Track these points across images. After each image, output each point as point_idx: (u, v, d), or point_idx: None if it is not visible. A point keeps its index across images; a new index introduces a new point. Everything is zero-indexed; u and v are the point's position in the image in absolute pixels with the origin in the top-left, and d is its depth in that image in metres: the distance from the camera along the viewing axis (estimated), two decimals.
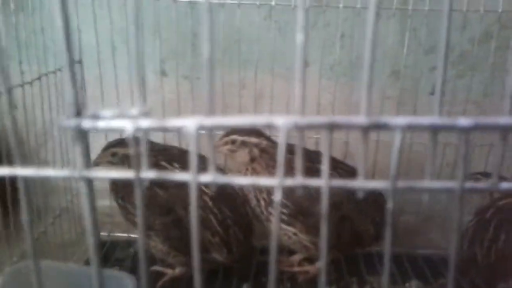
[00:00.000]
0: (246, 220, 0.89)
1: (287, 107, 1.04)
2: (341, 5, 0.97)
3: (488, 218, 0.73)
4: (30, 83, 0.85)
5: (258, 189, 0.85)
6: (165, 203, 0.81)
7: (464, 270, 0.73)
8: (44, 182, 1.02)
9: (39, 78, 0.89)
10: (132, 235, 1.07)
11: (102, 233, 1.07)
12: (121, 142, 0.86)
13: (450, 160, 1.06)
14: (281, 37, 1.04)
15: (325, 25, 1.02)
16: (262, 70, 1.06)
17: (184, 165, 0.83)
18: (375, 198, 0.84)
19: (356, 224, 0.87)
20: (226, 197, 0.86)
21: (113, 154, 0.85)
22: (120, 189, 0.84)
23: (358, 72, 1.03)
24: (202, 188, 0.79)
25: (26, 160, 0.27)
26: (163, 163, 0.84)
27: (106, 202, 0.92)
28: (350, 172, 0.88)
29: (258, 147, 0.85)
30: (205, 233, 0.81)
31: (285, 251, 0.99)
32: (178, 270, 0.91)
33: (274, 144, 0.86)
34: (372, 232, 0.88)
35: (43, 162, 1.14)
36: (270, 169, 0.83)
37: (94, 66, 1.01)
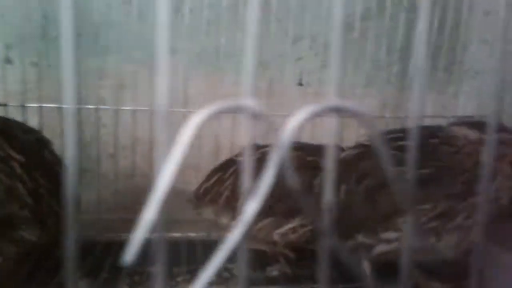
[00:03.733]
0: None
1: (151, 98, 0.96)
2: None
3: None
4: None
5: None
6: None
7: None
8: None
9: None
10: None
11: None
12: None
13: None
14: (142, 23, 0.96)
15: (190, 11, 0.97)
16: (123, 57, 0.98)
17: None
18: None
19: None
20: (40, 162, 0.75)
21: None
22: None
23: (227, 61, 1.00)
24: (9, 153, 0.68)
25: None
26: None
27: None
28: None
29: None
30: (11, 206, 0.68)
31: None
32: None
33: None
34: None
35: None
36: None
37: None
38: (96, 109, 0.92)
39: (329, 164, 0.24)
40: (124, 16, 0.97)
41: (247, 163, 0.22)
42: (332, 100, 0.22)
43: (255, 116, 0.21)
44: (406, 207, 0.27)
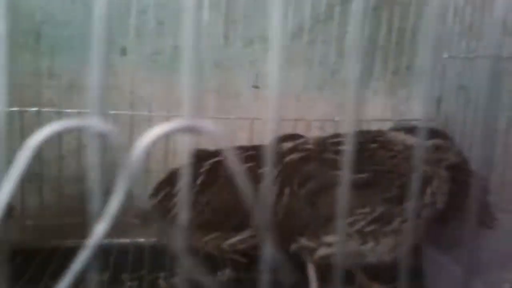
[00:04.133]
0: None
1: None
2: None
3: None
4: None
5: None
6: None
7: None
8: None
9: None
10: None
11: None
12: None
13: None
14: (88, 22, 0.93)
15: (140, 12, 0.95)
16: (73, 57, 0.95)
17: None
18: None
19: None
20: None
21: None
22: None
23: (179, 63, 0.98)
24: None
25: None
26: None
27: None
28: None
29: None
30: None
31: None
32: None
33: None
34: None
35: None
36: None
37: None
38: (38, 112, 0.89)
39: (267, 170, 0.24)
40: (72, 14, 0.94)
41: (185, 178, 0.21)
42: (183, 120, 0.21)
43: (101, 136, 0.20)
44: (341, 211, 0.27)
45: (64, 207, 0.91)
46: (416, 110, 1.10)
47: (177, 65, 1.01)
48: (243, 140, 0.99)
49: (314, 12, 1.01)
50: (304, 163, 0.71)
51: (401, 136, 0.66)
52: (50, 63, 0.95)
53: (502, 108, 0.93)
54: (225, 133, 0.22)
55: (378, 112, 1.08)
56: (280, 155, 0.73)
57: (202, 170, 0.82)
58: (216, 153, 0.82)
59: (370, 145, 0.67)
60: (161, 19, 0.97)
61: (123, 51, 0.98)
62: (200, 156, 0.84)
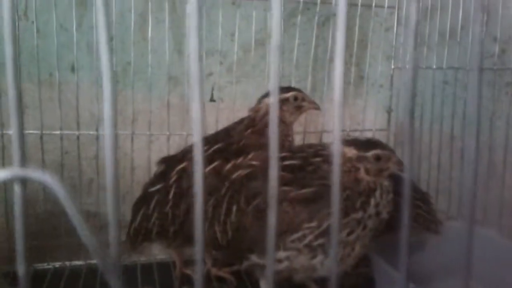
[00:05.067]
0: None
1: (53, 118, 0.92)
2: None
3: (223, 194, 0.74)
4: None
5: None
6: None
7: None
8: None
9: None
10: None
11: None
12: None
13: None
14: (41, 39, 0.92)
15: (90, 27, 0.94)
16: (23, 75, 0.93)
17: None
18: None
19: None
20: None
21: None
22: None
23: (131, 79, 0.97)
24: None
25: None
26: None
27: None
28: None
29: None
30: None
31: None
32: None
33: None
34: None
35: None
36: None
37: None
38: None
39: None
40: (22, 31, 0.92)
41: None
42: (17, 169, 0.21)
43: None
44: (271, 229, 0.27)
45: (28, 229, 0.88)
46: (377, 118, 1.12)
47: (135, 81, 1.00)
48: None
49: (266, 25, 1.02)
50: (250, 179, 0.71)
51: (341, 149, 0.67)
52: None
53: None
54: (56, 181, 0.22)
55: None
56: (226, 173, 0.73)
57: (171, 181, 0.81)
58: (182, 158, 0.82)
59: (313, 159, 0.68)
60: (111, 35, 0.97)
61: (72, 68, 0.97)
62: (168, 164, 0.84)
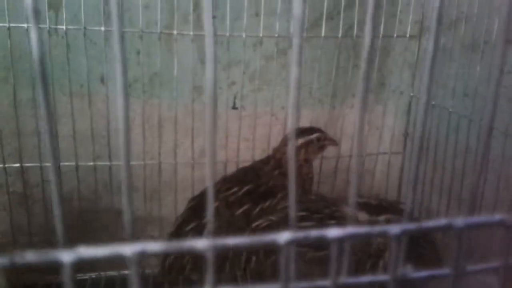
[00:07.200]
0: None
1: (84, 128, 0.98)
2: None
3: None
4: None
5: None
6: None
7: None
8: None
9: None
10: None
11: None
12: None
13: None
14: (72, 53, 0.96)
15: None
16: (56, 88, 0.98)
17: None
18: None
19: None
20: None
21: None
22: None
23: (160, 90, 1.01)
24: None
25: None
26: None
27: None
28: None
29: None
30: None
31: None
32: None
33: None
34: None
35: None
36: None
37: None
38: None
39: None
40: (52, 47, 0.96)
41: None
42: None
43: None
44: None
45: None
46: (396, 123, 1.13)
47: (157, 91, 1.04)
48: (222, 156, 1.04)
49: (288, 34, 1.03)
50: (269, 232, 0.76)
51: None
52: (34, 93, 0.98)
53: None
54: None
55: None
56: (255, 217, 0.77)
57: (203, 221, 0.83)
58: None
59: (329, 221, 0.72)
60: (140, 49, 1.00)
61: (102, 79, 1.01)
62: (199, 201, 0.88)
